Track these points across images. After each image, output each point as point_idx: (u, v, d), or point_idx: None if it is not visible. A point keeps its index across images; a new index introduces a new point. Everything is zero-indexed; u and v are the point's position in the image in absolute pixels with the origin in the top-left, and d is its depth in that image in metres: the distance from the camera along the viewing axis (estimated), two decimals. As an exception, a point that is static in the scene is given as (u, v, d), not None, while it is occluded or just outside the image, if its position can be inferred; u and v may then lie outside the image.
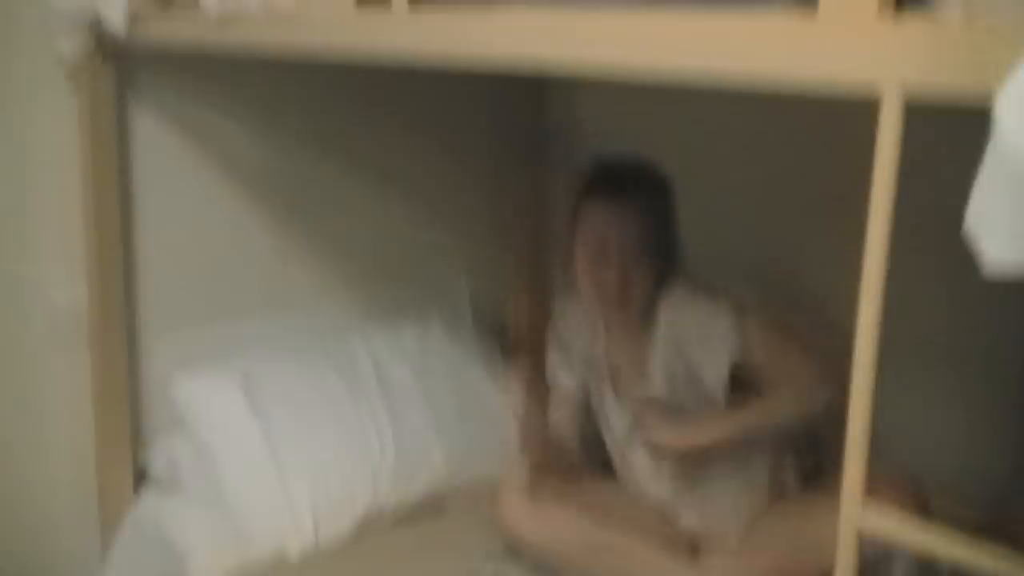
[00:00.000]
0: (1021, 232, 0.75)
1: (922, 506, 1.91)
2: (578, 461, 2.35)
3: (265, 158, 2.57)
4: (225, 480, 2.27)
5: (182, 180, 2.47)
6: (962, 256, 0.86)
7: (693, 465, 2.15)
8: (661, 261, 2.13)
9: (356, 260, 2.76)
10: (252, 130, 2.55)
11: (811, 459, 2.20)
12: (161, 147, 2.43)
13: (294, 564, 2.20)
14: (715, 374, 2.09)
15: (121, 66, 2.30)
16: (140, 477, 2.46)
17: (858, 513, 0.96)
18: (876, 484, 1.02)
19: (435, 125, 2.83)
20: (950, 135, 1.33)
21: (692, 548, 2.18)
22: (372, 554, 2.24)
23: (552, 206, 3.02)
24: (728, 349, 2.06)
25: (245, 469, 2.27)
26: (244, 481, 2.26)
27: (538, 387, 2.35)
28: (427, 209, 2.87)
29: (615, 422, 2.26)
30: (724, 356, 2.07)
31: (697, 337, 2.10)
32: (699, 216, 2.22)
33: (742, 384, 2.09)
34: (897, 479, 1.88)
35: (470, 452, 2.49)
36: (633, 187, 2.12)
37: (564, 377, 2.34)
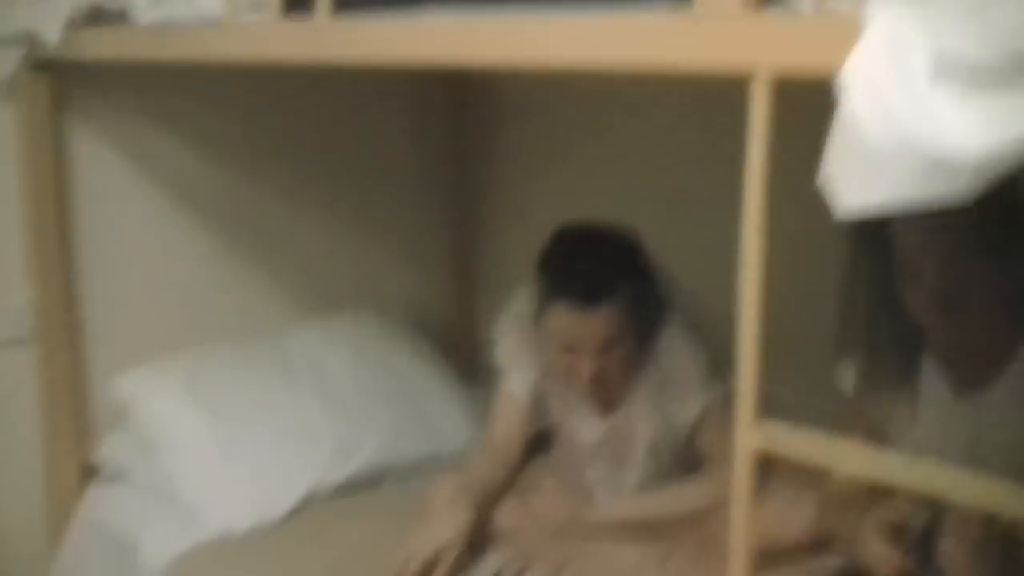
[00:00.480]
0: (863, 184, 0.91)
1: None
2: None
3: (199, 169, 2.72)
4: (171, 469, 2.40)
5: (120, 189, 2.61)
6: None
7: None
8: (641, 337, 2.15)
9: (290, 265, 2.91)
10: (186, 143, 2.69)
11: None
12: (99, 159, 2.56)
13: (240, 542, 2.30)
14: (685, 416, 2.20)
15: (56, 81, 2.41)
16: (89, 474, 2.57)
17: (752, 433, 1.11)
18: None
19: (363, 132, 2.98)
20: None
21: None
22: (313, 526, 2.35)
23: (479, 201, 3.18)
24: (701, 400, 2.18)
25: (190, 458, 2.39)
26: (190, 469, 2.38)
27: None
28: (356, 212, 3.01)
29: (583, 435, 2.32)
30: (697, 404, 2.18)
31: (678, 381, 2.19)
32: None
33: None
34: None
35: (403, 435, 2.62)
36: (602, 286, 2.06)
37: (518, 385, 2.35)
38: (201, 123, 2.70)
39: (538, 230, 2.93)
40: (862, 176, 0.91)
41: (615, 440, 2.29)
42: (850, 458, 1.16)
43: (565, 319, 2.07)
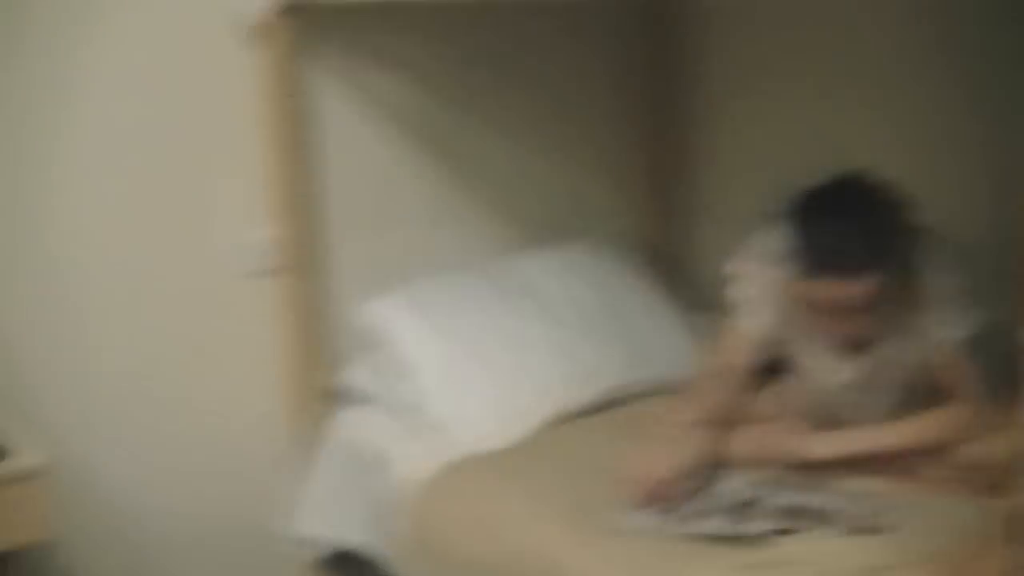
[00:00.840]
0: None
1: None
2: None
3: (422, 106, 2.84)
4: (419, 391, 2.55)
5: (351, 127, 2.74)
6: None
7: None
8: (901, 288, 2.14)
9: (505, 194, 3.02)
10: (409, 81, 2.81)
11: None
12: (332, 99, 2.69)
13: (487, 459, 2.42)
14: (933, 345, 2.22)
15: (297, 25, 2.53)
16: (330, 399, 2.73)
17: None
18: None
19: (569, 60, 3.05)
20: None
21: None
22: (557, 445, 2.47)
23: (688, 125, 3.21)
24: (953, 330, 2.20)
25: (437, 380, 2.54)
26: (437, 391, 2.53)
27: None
28: (565, 140, 3.09)
29: (831, 378, 2.36)
30: (950, 333, 2.20)
31: (934, 309, 2.20)
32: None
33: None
34: None
35: (638, 359, 2.73)
36: (867, 260, 2.05)
37: (753, 325, 2.37)
38: (422, 62, 2.81)
39: (751, 154, 2.99)
40: None
41: (865, 381, 2.33)
42: None
43: (825, 290, 2.09)
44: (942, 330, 2.21)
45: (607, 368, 2.66)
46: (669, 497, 2.15)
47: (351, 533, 2.57)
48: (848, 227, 2.06)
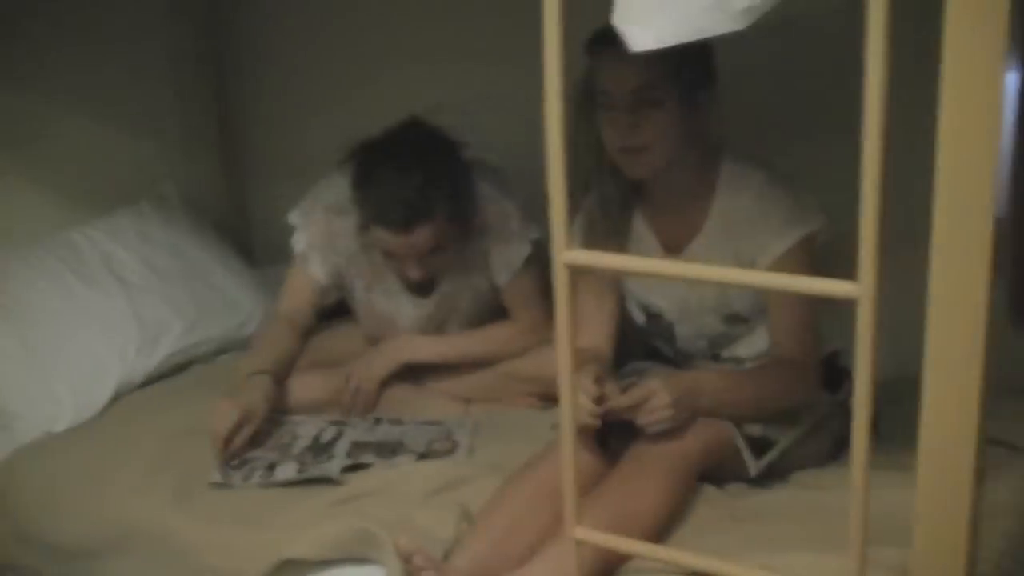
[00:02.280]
0: (649, 19, 1.07)
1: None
2: None
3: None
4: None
5: None
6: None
7: None
8: (462, 226, 2.27)
9: (64, 166, 2.88)
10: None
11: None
12: None
13: (59, 440, 2.35)
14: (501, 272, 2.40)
15: None
16: None
17: (566, 254, 1.27)
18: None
19: (123, 26, 2.96)
20: None
21: None
22: (131, 415, 2.43)
23: (234, 89, 3.22)
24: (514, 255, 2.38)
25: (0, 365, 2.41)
26: (1, 376, 2.41)
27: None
28: (118, 113, 2.98)
29: (406, 312, 2.48)
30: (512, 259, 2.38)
31: (495, 241, 2.38)
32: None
33: None
34: None
35: (203, 317, 2.71)
36: (418, 211, 2.15)
37: (317, 268, 2.45)
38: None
39: (313, 107, 3.02)
40: (649, 15, 1.07)
41: (438, 315, 2.46)
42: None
43: (386, 238, 2.20)
44: (502, 255, 2.37)
45: (181, 329, 2.64)
46: (235, 447, 2.18)
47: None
48: (399, 182, 2.16)
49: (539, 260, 2.35)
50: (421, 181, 2.16)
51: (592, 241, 2.04)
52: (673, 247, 2.05)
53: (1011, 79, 0.98)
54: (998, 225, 1.00)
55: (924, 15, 1.06)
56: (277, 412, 2.34)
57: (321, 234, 2.41)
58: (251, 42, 3.17)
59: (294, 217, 2.46)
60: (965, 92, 0.96)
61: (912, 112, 1.27)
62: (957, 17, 0.95)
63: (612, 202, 2.04)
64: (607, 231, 2.06)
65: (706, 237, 2.01)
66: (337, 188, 2.34)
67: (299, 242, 2.44)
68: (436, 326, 2.48)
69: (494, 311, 2.48)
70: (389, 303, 2.47)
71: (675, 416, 1.85)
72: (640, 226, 2.07)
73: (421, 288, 2.43)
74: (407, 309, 2.46)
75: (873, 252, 1.03)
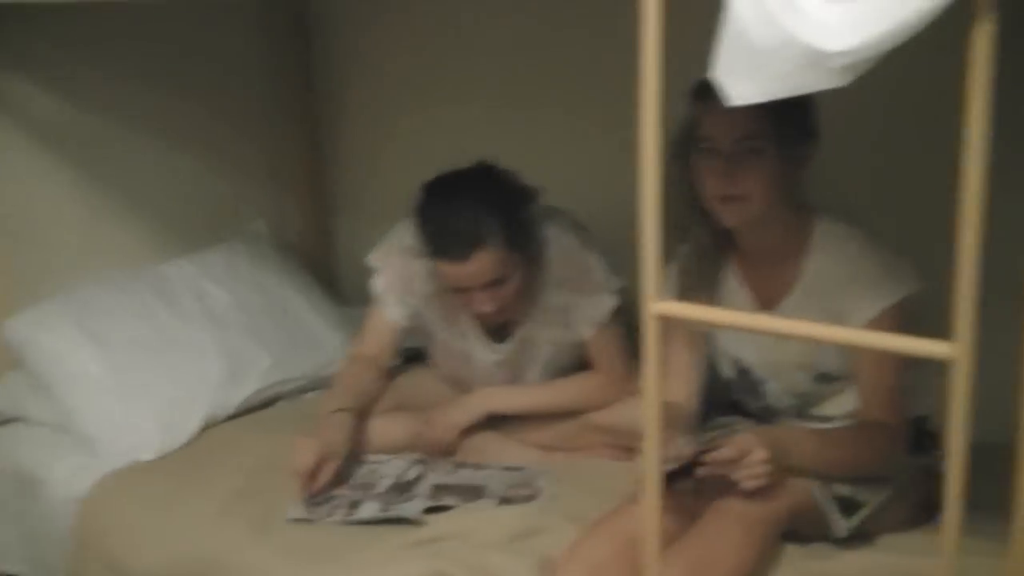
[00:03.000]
0: (750, 76, 1.08)
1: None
2: None
3: (61, 114, 2.74)
4: (71, 405, 2.47)
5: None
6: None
7: None
8: (528, 259, 2.28)
9: (158, 200, 2.96)
10: (42, 86, 2.70)
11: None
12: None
13: (145, 470, 2.39)
14: (583, 323, 2.39)
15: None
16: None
17: (657, 304, 1.27)
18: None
19: (214, 64, 3.05)
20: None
21: None
22: (215, 448, 2.48)
23: (323, 130, 3.28)
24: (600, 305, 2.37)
25: (89, 392, 2.47)
26: (90, 403, 2.46)
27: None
28: (210, 151, 3.07)
29: (481, 356, 2.50)
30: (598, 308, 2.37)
31: (574, 287, 2.37)
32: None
33: None
34: None
35: (290, 354, 2.76)
36: (470, 238, 2.16)
37: (394, 311, 2.47)
38: (67, 67, 2.72)
39: (395, 152, 3.07)
40: (749, 70, 1.08)
41: (514, 362, 2.46)
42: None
43: (447, 270, 2.21)
44: (586, 308, 2.36)
45: (268, 365, 2.69)
46: (319, 484, 2.20)
47: (8, 563, 2.48)
48: (453, 211, 2.18)
49: (622, 312, 2.35)
50: (473, 210, 2.18)
51: (685, 292, 2.03)
52: (766, 303, 2.03)
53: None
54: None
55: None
56: (359, 452, 2.36)
57: (398, 276, 2.44)
58: (342, 81, 3.23)
59: (373, 259, 2.50)
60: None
61: (1004, 164, 1.25)
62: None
63: (707, 253, 2.04)
64: (700, 282, 2.05)
65: (799, 295, 1.99)
66: (409, 229, 2.36)
67: (377, 284, 2.47)
68: (512, 372, 2.48)
69: (573, 362, 2.47)
70: (465, 346, 2.47)
71: (771, 473, 1.83)
72: (733, 280, 2.06)
73: (497, 334, 2.44)
74: (483, 354, 2.46)
75: (970, 310, 1.02)
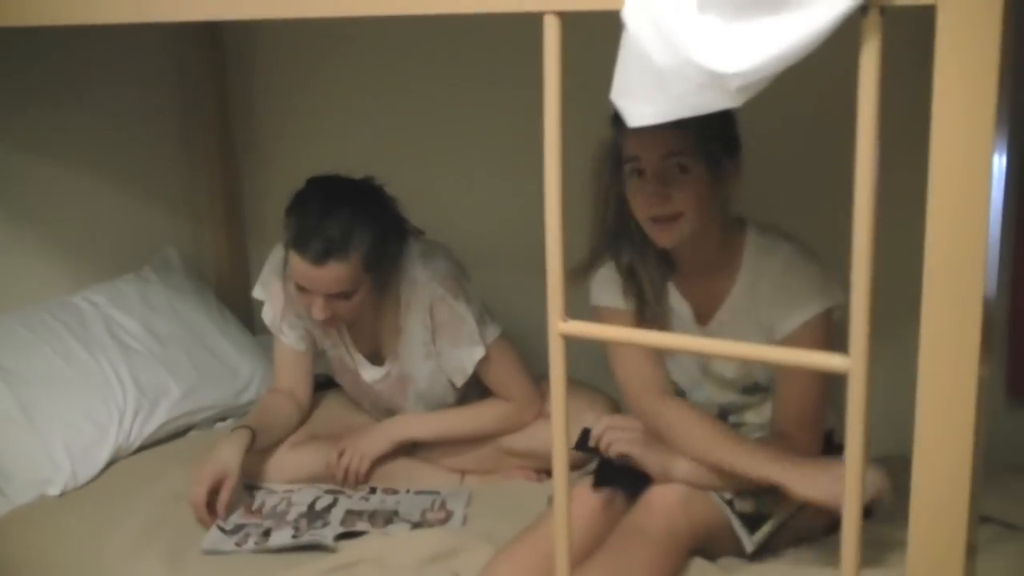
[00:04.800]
0: (650, 97, 1.10)
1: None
2: None
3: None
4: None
5: None
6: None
7: None
8: (381, 285, 2.30)
9: (72, 236, 2.91)
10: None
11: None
12: None
13: (54, 504, 2.34)
14: (462, 361, 2.38)
15: None
16: None
17: (562, 325, 1.28)
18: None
19: (122, 92, 3.00)
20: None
21: None
22: (127, 480, 2.43)
23: (236, 157, 3.26)
24: (477, 342, 2.36)
25: (-1, 427, 2.41)
26: (-1, 438, 2.40)
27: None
28: (123, 178, 3.03)
29: (365, 377, 2.51)
30: (474, 348, 2.36)
31: (447, 329, 2.37)
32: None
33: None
34: None
35: (203, 383, 2.72)
36: (334, 246, 2.16)
37: (293, 340, 2.50)
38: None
39: (302, 182, 3.06)
40: (649, 91, 1.10)
41: (394, 384, 2.46)
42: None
43: (300, 267, 2.19)
44: (453, 358, 2.37)
45: (180, 395, 2.65)
46: (221, 506, 2.20)
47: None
48: (328, 214, 2.17)
49: (506, 344, 2.40)
50: (348, 220, 2.17)
51: (629, 295, 2.06)
52: (701, 316, 2.05)
53: (999, 160, 0.99)
54: (988, 305, 1.02)
55: (917, 88, 1.08)
56: (273, 483, 2.35)
57: (281, 302, 2.44)
58: (258, 110, 3.21)
59: (256, 293, 2.51)
60: (953, 173, 0.98)
61: (909, 184, 1.29)
62: (945, 98, 0.97)
63: (652, 271, 2.03)
64: (650, 288, 2.04)
65: (732, 306, 2.01)
66: (279, 253, 2.38)
67: (266, 316, 2.48)
68: (394, 394, 2.48)
69: (453, 394, 2.48)
70: (352, 364, 2.48)
71: (641, 442, 1.97)
72: (673, 295, 2.07)
73: (374, 356, 2.45)
74: (365, 372, 2.47)
75: (864, 325, 1.04)
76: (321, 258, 2.15)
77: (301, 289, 2.23)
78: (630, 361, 2.06)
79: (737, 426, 2.11)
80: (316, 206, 2.19)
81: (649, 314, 2.02)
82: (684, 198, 1.87)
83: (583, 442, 2.02)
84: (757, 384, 2.07)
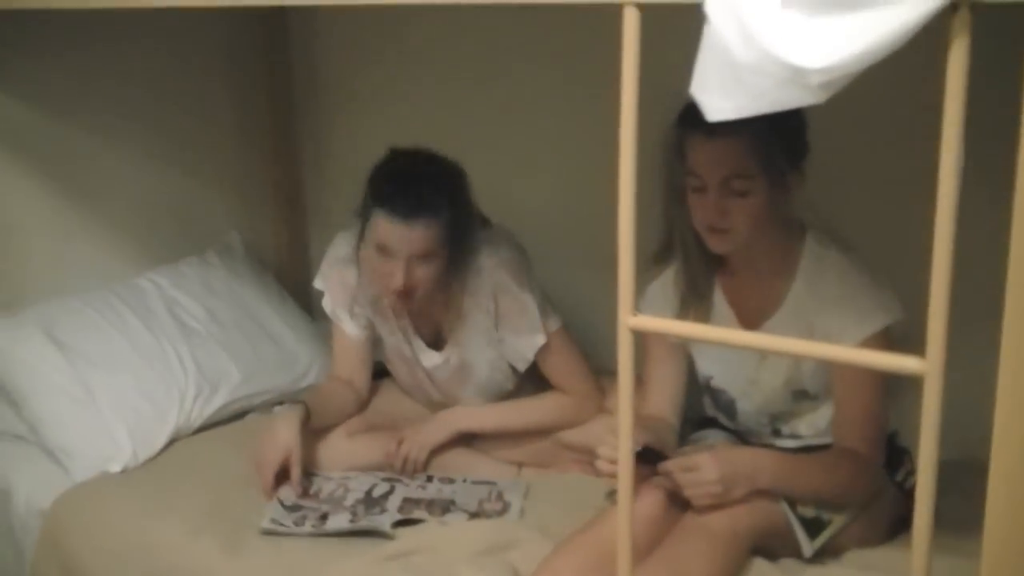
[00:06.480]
0: (729, 92, 1.09)
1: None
2: None
3: (33, 125, 2.71)
4: (39, 416, 2.45)
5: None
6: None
7: None
8: (454, 259, 2.26)
9: (135, 219, 2.95)
10: (16, 97, 2.68)
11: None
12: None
13: (115, 481, 2.37)
14: (523, 350, 2.37)
15: None
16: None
17: (631, 317, 1.28)
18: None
19: (184, 77, 3.03)
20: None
21: None
22: (186, 460, 2.46)
23: (298, 143, 3.28)
24: (538, 333, 2.35)
25: (57, 403, 2.45)
26: (58, 414, 2.44)
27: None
28: (187, 164, 3.06)
29: (424, 362, 2.49)
30: (536, 337, 2.35)
31: (512, 317, 2.36)
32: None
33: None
34: None
35: (262, 367, 2.74)
36: (424, 203, 2.15)
37: (351, 327, 2.49)
38: (30, 77, 2.70)
39: (363, 167, 3.07)
40: (728, 86, 1.09)
41: (453, 371, 2.45)
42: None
43: (385, 226, 2.17)
44: (515, 345, 2.36)
45: (240, 378, 2.67)
46: (295, 475, 2.23)
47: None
48: (418, 177, 2.18)
49: (567, 336, 2.38)
50: (436, 184, 2.19)
51: (683, 304, 2.04)
52: (748, 323, 2.03)
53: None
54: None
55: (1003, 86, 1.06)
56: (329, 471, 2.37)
57: (342, 290, 2.44)
58: (319, 95, 3.22)
59: (317, 283, 2.51)
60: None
61: (982, 184, 1.27)
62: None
63: (699, 271, 2.03)
64: (694, 296, 2.04)
65: (783, 316, 1.99)
66: (346, 240, 2.39)
67: (326, 304, 2.49)
68: (453, 382, 2.47)
69: (515, 383, 2.47)
70: (410, 351, 2.46)
71: (722, 495, 1.85)
72: (719, 299, 2.06)
73: (434, 342, 2.44)
74: (424, 358, 2.46)
75: (942, 327, 1.02)
76: (413, 213, 2.14)
77: (383, 254, 2.20)
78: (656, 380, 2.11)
79: (792, 437, 2.10)
80: (406, 167, 2.21)
81: (695, 316, 2.01)
82: (741, 216, 1.87)
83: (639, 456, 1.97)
84: (805, 391, 2.05)
